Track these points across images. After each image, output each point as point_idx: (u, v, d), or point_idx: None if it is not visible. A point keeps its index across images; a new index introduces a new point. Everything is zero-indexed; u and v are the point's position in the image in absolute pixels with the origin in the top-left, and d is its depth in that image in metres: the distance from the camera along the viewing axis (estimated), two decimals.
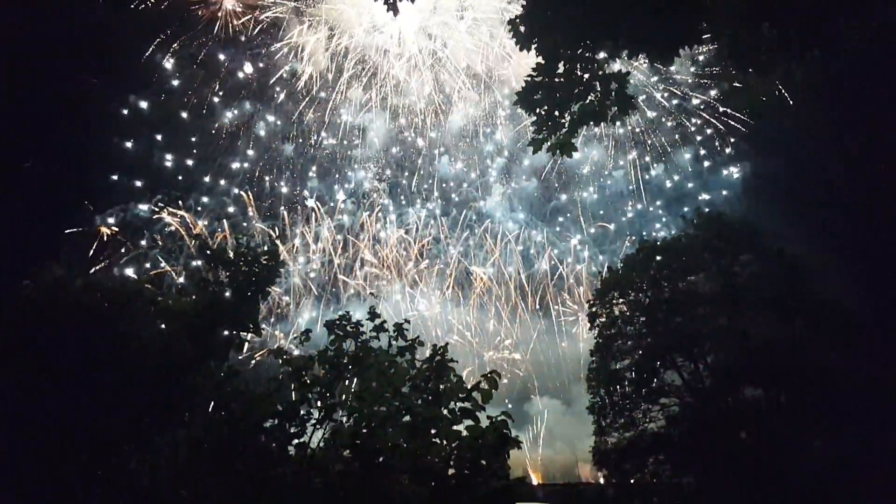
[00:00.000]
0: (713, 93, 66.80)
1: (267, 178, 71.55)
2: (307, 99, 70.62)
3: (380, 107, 73.03)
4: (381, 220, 74.26)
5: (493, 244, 74.67)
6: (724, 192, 69.27)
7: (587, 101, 11.42)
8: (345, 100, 71.89)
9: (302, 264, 69.31)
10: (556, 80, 11.47)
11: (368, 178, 75.43)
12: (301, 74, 69.39)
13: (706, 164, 70.96)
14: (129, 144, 64.14)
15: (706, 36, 11.40)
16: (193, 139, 67.95)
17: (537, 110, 11.62)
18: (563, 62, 11.33)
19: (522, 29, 11.48)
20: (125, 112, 63.93)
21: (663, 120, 71.25)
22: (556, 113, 11.55)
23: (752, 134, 66.17)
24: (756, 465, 29.84)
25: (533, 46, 11.46)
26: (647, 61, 12.33)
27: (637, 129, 72.70)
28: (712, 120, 68.83)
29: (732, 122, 67.30)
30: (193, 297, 14.08)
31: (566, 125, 11.60)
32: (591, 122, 11.60)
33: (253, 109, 70.52)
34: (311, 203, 71.85)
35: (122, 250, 59.46)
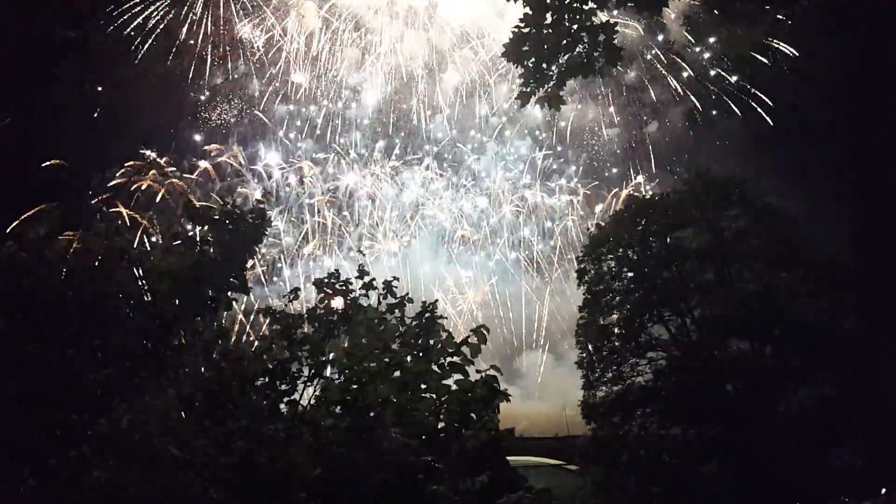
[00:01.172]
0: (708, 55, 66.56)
1: (260, 140, 71.09)
2: (298, 60, 69.95)
3: (373, 67, 72.42)
4: (377, 180, 74.02)
5: (486, 202, 74.81)
6: (716, 149, 69.44)
7: (575, 52, 11.24)
8: (338, 60, 71.18)
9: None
10: (544, 31, 11.25)
11: (362, 139, 74.94)
12: (293, 36, 68.58)
13: (699, 122, 70.87)
14: (110, 102, 63.45)
15: None
16: (182, 99, 67.41)
17: (525, 62, 11.43)
18: (550, 12, 11.11)
19: None
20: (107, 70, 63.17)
21: (657, 79, 70.93)
22: (544, 65, 11.36)
23: (743, 91, 66.10)
24: (741, 416, 30.43)
25: None
26: (635, 11, 12.11)
27: (632, 89, 72.45)
28: (705, 82, 68.48)
29: (726, 85, 67.10)
30: (179, 255, 13.99)
31: (554, 78, 11.43)
32: (580, 74, 11.44)
33: (246, 70, 69.73)
34: (304, 164, 71.51)
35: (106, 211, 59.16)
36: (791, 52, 58.06)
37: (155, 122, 66.50)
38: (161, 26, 65.62)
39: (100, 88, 63.95)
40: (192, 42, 67.12)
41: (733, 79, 66.00)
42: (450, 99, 75.54)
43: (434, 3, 69.75)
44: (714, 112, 69.62)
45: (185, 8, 66.21)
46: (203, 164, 67.83)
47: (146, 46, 65.21)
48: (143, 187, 62.76)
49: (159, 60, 66.51)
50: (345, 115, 73.90)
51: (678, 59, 68.59)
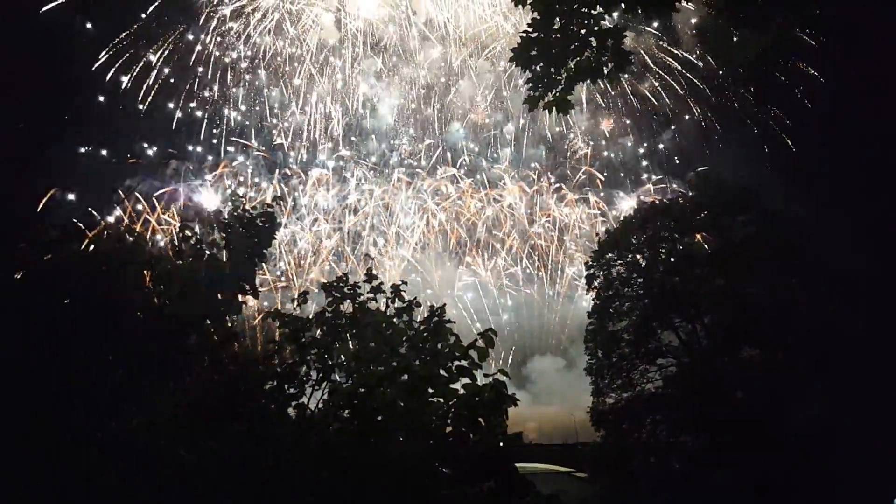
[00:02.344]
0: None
1: (278, 150, 71.87)
2: (318, 72, 70.93)
3: (391, 76, 73.44)
4: (392, 188, 74.62)
5: (500, 209, 75.12)
6: (727, 157, 69.49)
7: (583, 57, 11.26)
8: (357, 71, 72.25)
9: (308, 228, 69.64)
10: (552, 36, 11.29)
11: (378, 148, 75.73)
12: (312, 48, 69.67)
13: (710, 130, 71.08)
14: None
15: None
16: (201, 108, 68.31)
17: (533, 67, 11.47)
18: (558, 17, 11.15)
19: None
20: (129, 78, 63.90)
21: (671, 89, 71.30)
22: (552, 70, 11.39)
23: (754, 98, 66.32)
24: (752, 424, 30.17)
25: (528, 1, 11.28)
26: (644, 17, 12.08)
27: (646, 99, 72.84)
28: (711, 97, 68.67)
29: (739, 94, 67.39)
30: (189, 259, 14.08)
31: (562, 82, 11.45)
32: (588, 79, 11.45)
33: (267, 82, 70.62)
34: (323, 172, 72.20)
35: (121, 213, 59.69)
36: (806, 69, 58.79)
37: (172, 127, 67.30)
38: (182, 40, 66.69)
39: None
40: (213, 52, 68.05)
41: (746, 88, 66.46)
42: (466, 108, 76.34)
43: (451, 15, 70.70)
44: (726, 121, 69.80)
45: (207, 23, 67.14)
46: (221, 169, 68.60)
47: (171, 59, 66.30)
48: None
49: (183, 74, 67.58)
50: (362, 124, 74.87)
51: (687, 73, 69.02)
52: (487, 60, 73.52)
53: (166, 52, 66.23)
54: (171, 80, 67.25)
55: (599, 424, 36.36)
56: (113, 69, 63.29)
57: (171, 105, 67.82)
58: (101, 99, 63.41)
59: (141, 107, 65.14)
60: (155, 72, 65.95)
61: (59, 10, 59.03)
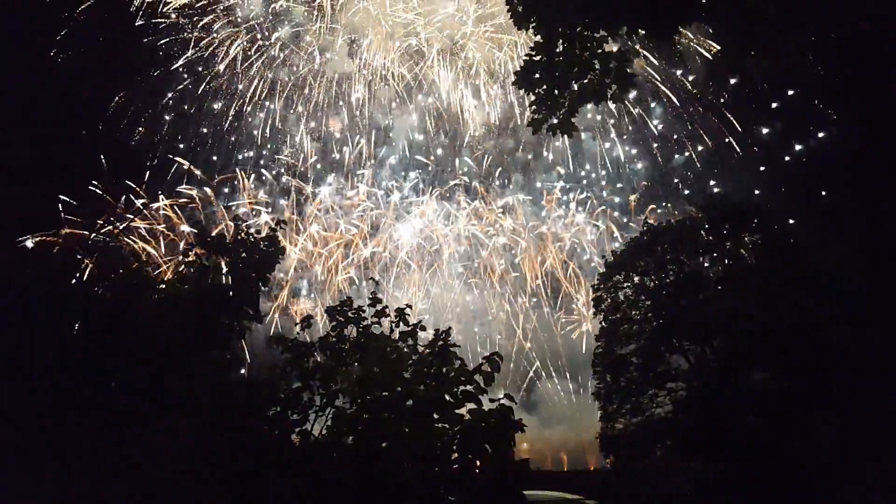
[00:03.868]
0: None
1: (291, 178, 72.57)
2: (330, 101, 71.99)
3: (404, 103, 74.49)
4: (402, 213, 75.07)
5: (510, 233, 75.28)
6: (737, 178, 69.49)
7: (586, 79, 11.27)
8: (369, 100, 73.33)
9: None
10: (556, 59, 11.31)
11: (392, 175, 76.42)
12: (326, 78, 70.85)
13: (719, 153, 71.23)
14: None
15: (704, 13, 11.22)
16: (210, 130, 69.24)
17: (536, 90, 11.48)
18: (561, 41, 11.17)
19: (520, 8, 11.33)
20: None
21: (680, 115, 71.80)
22: (556, 92, 11.40)
23: (757, 121, 66.63)
24: (762, 449, 29.72)
25: (531, 26, 11.32)
26: (646, 40, 12.10)
27: (654, 124, 73.31)
28: (718, 123, 69.03)
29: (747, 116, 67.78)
30: (193, 284, 14.03)
31: (566, 104, 11.44)
32: (591, 102, 11.46)
33: (283, 112, 71.57)
34: (331, 198, 72.73)
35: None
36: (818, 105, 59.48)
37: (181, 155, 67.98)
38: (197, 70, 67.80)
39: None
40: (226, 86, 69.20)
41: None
42: (478, 135, 77.21)
43: (461, 45, 71.87)
44: (734, 146, 69.93)
45: (221, 52, 68.21)
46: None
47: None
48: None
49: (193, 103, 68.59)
50: (375, 152, 75.73)
51: (694, 99, 69.50)
52: (503, 89, 74.15)
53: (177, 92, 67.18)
54: (183, 111, 68.05)
55: (608, 451, 35.84)
56: (128, 116, 64.21)
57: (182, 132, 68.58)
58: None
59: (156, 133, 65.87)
60: (169, 117, 66.95)
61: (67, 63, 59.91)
